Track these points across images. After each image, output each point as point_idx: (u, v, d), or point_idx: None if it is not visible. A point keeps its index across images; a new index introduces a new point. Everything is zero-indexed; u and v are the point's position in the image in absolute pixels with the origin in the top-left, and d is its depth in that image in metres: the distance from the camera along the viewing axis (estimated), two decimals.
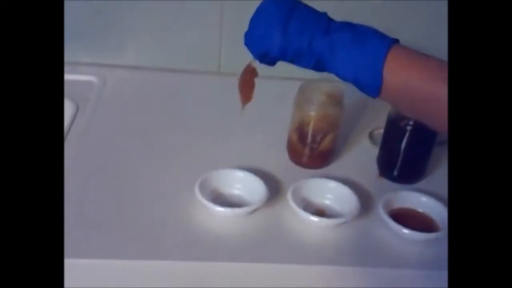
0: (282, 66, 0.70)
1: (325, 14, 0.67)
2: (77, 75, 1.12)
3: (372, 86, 0.63)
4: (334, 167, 0.95)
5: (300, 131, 0.91)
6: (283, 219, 0.82)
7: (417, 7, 1.13)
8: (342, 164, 0.96)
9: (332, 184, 0.86)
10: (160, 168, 0.90)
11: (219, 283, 0.73)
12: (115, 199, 0.83)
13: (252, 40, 0.69)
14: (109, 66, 1.16)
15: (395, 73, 0.61)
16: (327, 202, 0.85)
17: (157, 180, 0.88)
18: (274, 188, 0.86)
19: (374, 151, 0.97)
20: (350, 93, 0.76)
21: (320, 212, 0.83)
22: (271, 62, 0.69)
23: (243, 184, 0.86)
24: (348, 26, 0.65)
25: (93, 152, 0.92)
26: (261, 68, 0.73)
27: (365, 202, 0.84)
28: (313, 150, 0.92)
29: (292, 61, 0.67)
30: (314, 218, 0.79)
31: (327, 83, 0.90)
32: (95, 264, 0.73)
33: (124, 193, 0.84)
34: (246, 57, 0.71)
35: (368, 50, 0.62)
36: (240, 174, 0.86)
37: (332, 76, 0.67)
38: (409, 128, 0.87)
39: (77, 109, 1.04)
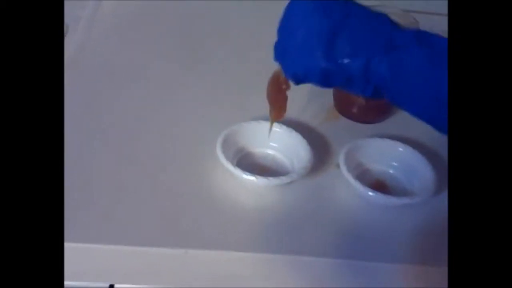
0: None
1: (386, 18, 0.47)
2: None
3: None
4: (391, 122, 0.74)
5: None
6: (331, 192, 0.63)
7: None
8: (400, 119, 0.74)
9: (400, 148, 0.65)
10: (170, 117, 0.70)
11: (244, 279, 0.53)
12: (112, 161, 0.64)
13: (285, 56, 0.51)
14: None
15: None
16: (390, 171, 0.64)
17: (166, 134, 0.68)
18: (318, 148, 0.65)
19: None
20: None
21: (380, 184, 0.63)
22: (310, 83, 0.51)
23: (279, 142, 0.65)
24: (421, 38, 0.46)
25: (84, 93, 0.72)
26: None
27: (437, 173, 0.64)
28: (370, 99, 0.70)
29: (341, 87, 0.50)
30: (378, 195, 0.59)
31: (394, 8, 0.69)
32: (79, 248, 0.53)
33: (122, 153, 0.65)
34: None
35: None
36: (276, 128, 0.65)
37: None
38: None
39: (67, 30, 0.82)
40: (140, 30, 0.85)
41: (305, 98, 0.74)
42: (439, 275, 0.55)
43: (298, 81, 0.51)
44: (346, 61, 0.46)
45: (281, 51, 0.51)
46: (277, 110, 0.60)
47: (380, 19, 0.48)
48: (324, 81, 0.49)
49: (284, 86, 0.57)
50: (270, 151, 0.66)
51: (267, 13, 0.89)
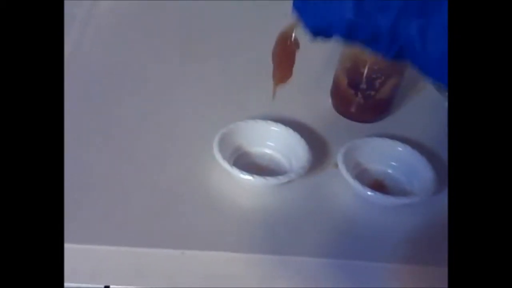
0: None
1: None
2: None
3: None
4: (389, 122, 0.73)
5: (352, 73, 0.69)
6: (330, 192, 0.62)
7: None
8: (399, 118, 0.74)
9: (399, 147, 0.64)
10: (167, 116, 0.69)
11: (241, 280, 0.53)
12: (107, 161, 0.63)
13: (309, 6, 0.47)
14: None
15: None
16: (389, 171, 0.64)
17: (163, 133, 0.67)
18: (316, 148, 0.64)
19: (443, 100, 0.75)
20: None
21: (379, 184, 0.62)
22: (329, 37, 0.47)
23: (277, 142, 0.64)
24: None
25: (81, 93, 0.70)
26: None
27: (437, 172, 0.63)
28: (368, 99, 0.70)
29: (363, 42, 0.46)
30: (377, 195, 0.58)
31: None
32: (73, 249, 0.52)
33: (118, 153, 0.64)
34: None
35: None
36: (273, 127, 0.64)
37: None
38: None
39: None
40: (137, 29, 0.84)
41: (303, 96, 0.73)
42: (439, 275, 0.54)
43: (318, 34, 0.47)
44: (376, 15, 0.43)
45: (301, 2, 0.47)
46: (283, 73, 0.55)
47: None
48: (348, 34, 0.45)
49: (291, 47, 0.53)
50: (267, 150, 0.65)
51: (265, 13, 0.89)
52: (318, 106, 0.73)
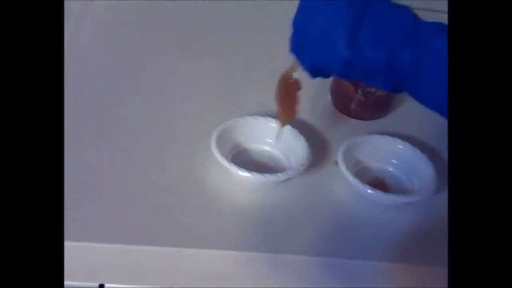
0: None
1: (407, 8, 0.45)
2: None
3: None
4: (390, 119, 0.72)
5: None
6: (329, 190, 0.61)
7: None
8: (400, 115, 0.73)
9: (400, 145, 0.63)
10: (165, 114, 0.68)
11: (238, 278, 0.51)
12: (104, 159, 0.62)
13: (304, 47, 0.47)
14: None
15: None
16: (390, 169, 0.63)
17: (161, 131, 0.66)
18: (316, 145, 0.63)
19: None
20: None
21: (379, 182, 0.61)
22: (327, 76, 0.49)
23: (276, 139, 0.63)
24: (444, 30, 0.44)
25: (78, 92, 0.69)
26: None
27: (438, 171, 0.62)
28: (368, 96, 0.69)
29: (361, 79, 0.47)
30: (377, 193, 0.57)
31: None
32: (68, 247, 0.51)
33: (116, 151, 0.63)
34: None
35: None
36: (273, 124, 0.63)
37: None
38: None
39: None
40: (134, 27, 0.83)
41: (302, 93, 0.72)
42: (440, 275, 0.53)
43: (315, 74, 0.49)
44: (370, 50, 0.44)
45: (298, 43, 0.48)
46: (287, 113, 0.58)
47: (402, 9, 0.46)
48: (344, 72, 0.46)
49: (294, 88, 0.56)
50: (266, 147, 0.64)
51: (264, 13, 0.88)
52: (318, 103, 0.72)
